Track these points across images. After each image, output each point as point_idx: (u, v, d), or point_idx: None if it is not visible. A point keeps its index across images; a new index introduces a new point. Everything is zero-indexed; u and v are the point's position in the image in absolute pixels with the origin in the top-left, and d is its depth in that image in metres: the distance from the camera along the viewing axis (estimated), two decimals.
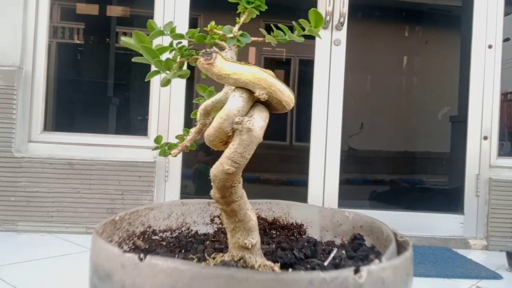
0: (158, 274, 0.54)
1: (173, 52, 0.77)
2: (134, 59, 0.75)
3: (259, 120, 0.69)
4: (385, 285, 0.56)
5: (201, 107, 0.81)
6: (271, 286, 0.51)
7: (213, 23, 0.79)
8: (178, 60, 0.76)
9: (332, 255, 0.79)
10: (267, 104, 0.72)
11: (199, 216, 0.96)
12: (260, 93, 0.69)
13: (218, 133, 0.69)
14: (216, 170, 0.70)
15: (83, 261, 1.74)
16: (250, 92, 0.70)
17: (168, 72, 0.75)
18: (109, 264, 0.60)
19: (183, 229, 0.93)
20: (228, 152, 0.69)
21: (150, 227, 0.89)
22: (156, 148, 0.87)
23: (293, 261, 0.74)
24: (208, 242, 0.86)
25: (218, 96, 0.78)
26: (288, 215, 0.92)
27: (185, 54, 0.77)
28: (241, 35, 0.80)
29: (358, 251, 0.82)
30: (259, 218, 0.83)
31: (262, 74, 0.70)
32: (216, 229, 0.94)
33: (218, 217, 0.95)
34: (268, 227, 0.90)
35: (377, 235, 0.87)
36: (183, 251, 0.82)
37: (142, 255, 0.56)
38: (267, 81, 0.70)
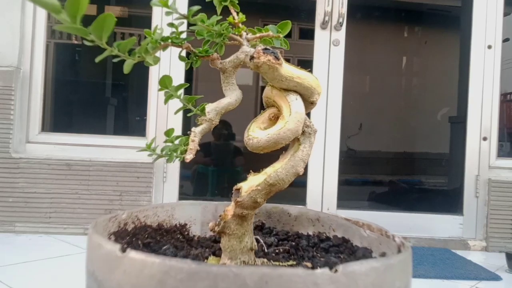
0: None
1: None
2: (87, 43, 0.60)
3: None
4: None
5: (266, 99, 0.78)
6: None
7: (243, 16, 0.77)
8: (160, 44, 0.71)
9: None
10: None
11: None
12: (316, 99, 0.73)
13: (293, 135, 0.70)
14: (285, 173, 0.70)
15: (81, 262, 1.73)
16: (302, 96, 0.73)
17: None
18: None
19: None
20: (301, 154, 0.71)
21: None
22: (159, 156, 0.80)
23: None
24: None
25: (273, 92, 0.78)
26: (172, 217, 0.89)
27: (178, 41, 0.74)
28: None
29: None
30: (145, 226, 0.82)
31: (318, 80, 0.73)
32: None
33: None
34: (153, 234, 0.85)
35: (278, 218, 0.97)
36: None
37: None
38: (321, 87, 0.74)
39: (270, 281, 0.50)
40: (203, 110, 0.77)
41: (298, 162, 0.70)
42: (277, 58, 0.67)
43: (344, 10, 2.39)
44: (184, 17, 0.71)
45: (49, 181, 2.19)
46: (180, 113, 2.33)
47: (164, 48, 0.72)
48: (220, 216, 0.71)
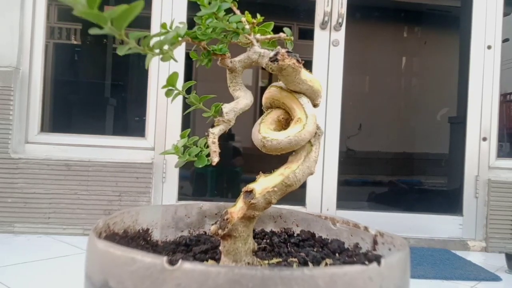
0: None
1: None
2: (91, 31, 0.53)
3: None
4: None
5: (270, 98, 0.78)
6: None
7: (261, 17, 0.76)
8: (179, 40, 0.68)
9: None
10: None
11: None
12: (320, 101, 0.77)
13: (310, 137, 0.73)
14: (302, 174, 0.72)
15: (80, 263, 1.72)
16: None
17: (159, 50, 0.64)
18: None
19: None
20: (314, 155, 0.74)
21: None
22: (188, 160, 0.76)
23: None
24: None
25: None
26: (136, 222, 0.85)
27: (199, 38, 0.71)
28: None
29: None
30: (113, 234, 0.79)
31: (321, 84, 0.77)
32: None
33: None
34: (121, 242, 0.81)
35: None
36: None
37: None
38: (322, 90, 0.78)
39: (338, 280, 0.52)
40: (218, 110, 0.77)
41: (312, 163, 0.73)
42: (298, 61, 0.68)
43: (344, 10, 2.39)
44: (214, 14, 0.70)
45: (48, 181, 2.19)
46: (180, 113, 2.33)
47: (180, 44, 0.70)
48: (225, 218, 0.69)
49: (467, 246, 2.40)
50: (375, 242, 0.82)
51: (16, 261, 1.70)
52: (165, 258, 0.51)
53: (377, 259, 0.55)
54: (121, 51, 0.56)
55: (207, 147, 0.73)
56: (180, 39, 0.67)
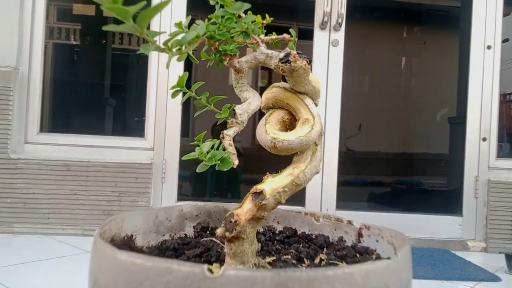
0: None
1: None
2: (105, 28, 0.55)
3: None
4: None
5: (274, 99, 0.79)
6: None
7: (270, 18, 0.76)
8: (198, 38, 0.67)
9: None
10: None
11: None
12: (319, 101, 0.79)
13: (317, 137, 0.74)
14: (310, 173, 0.73)
15: (79, 263, 1.72)
16: None
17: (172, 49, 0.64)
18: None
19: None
20: (319, 155, 0.75)
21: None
22: (211, 164, 0.72)
23: None
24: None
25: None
26: (121, 229, 0.82)
27: (216, 37, 0.70)
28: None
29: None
30: None
31: None
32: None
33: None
34: None
35: (218, 217, 0.97)
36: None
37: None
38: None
39: (371, 274, 0.56)
40: (228, 112, 0.76)
41: (318, 162, 0.74)
42: (307, 62, 0.69)
43: (343, 10, 2.39)
44: (234, 14, 0.69)
45: (48, 182, 2.19)
46: (179, 113, 2.33)
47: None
48: (232, 221, 0.68)
49: (467, 247, 2.40)
50: (359, 235, 0.85)
51: (15, 262, 1.70)
52: (205, 266, 0.50)
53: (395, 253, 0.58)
54: (147, 50, 0.56)
55: (224, 149, 0.72)
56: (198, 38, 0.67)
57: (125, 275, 0.54)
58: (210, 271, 0.49)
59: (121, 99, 3.42)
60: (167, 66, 0.63)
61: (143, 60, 2.48)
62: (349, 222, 0.88)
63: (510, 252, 2.01)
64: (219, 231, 0.69)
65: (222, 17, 0.69)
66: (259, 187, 0.70)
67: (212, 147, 0.74)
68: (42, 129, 2.35)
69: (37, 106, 2.31)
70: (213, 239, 0.86)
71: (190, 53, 0.65)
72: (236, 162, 0.71)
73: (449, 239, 2.43)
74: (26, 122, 2.29)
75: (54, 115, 2.76)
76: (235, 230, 0.68)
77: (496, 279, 1.83)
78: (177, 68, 2.31)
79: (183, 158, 0.72)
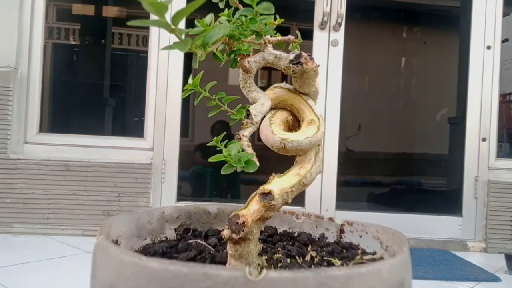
0: None
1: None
2: (130, 22, 0.54)
3: None
4: None
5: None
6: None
7: (281, 19, 0.76)
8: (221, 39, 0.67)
9: None
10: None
11: None
12: (317, 102, 0.80)
13: (322, 138, 0.76)
14: (315, 173, 0.75)
15: (79, 263, 1.72)
16: None
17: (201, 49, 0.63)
18: None
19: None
20: (321, 155, 0.77)
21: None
22: (239, 166, 0.70)
23: None
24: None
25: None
26: (108, 234, 0.79)
27: (237, 36, 0.70)
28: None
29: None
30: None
31: None
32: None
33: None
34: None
35: (198, 218, 0.97)
36: None
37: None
38: None
39: (394, 269, 0.61)
40: (242, 113, 0.76)
41: (321, 162, 0.76)
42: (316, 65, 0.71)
43: (343, 10, 2.39)
44: (257, 14, 0.69)
45: (47, 182, 2.19)
46: (179, 113, 2.33)
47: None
48: (239, 222, 0.66)
49: (466, 247, 2.40)
50: (341, 231, 0.87)
51: (14, 262, 1.70)
52: (247, 269, 0.49)
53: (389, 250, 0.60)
54: (183, 49, 0.56)
55: (242, 150, 0.71)
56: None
57: (156, 283, 0.52)
58: (255, 275, 0.49)
59: (121, 99, 3.42)
60: (195, 66, 0.63)
61: (143, 60, 2.48)
62: (330, 219, 0.91)
63: (510, 252, 2.01)
64: (225, 232, 0.67)
65: (245, 16, 0.69)
66: (267, 187, 0.70)
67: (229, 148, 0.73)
68: (41, 129, 2.35)
69: (36, 106, 2.31)
70: (198, 241, 0.85)
71: (210, 49, 0.65)
72: (257, 163, 0.69)
73: (449, 239, 2.43)
74: (25, 122, 2.29)
75: (53, 115, 2.76)
76: (243, 231, 0.66)
77: (496, 279, 1.83)
78: (177, 68, 2.31)
79: (210, 159, 0.69)
